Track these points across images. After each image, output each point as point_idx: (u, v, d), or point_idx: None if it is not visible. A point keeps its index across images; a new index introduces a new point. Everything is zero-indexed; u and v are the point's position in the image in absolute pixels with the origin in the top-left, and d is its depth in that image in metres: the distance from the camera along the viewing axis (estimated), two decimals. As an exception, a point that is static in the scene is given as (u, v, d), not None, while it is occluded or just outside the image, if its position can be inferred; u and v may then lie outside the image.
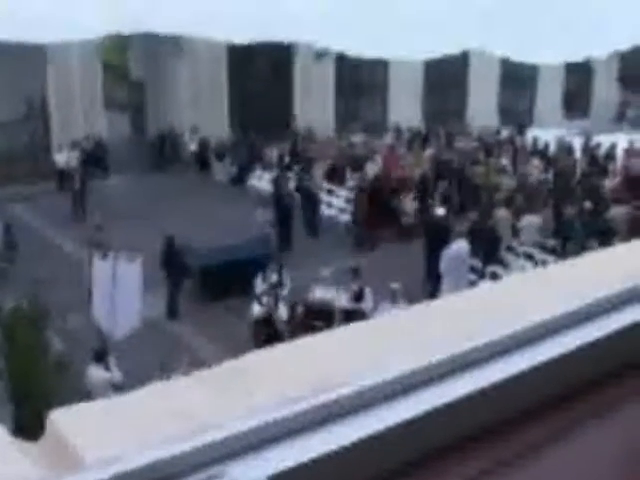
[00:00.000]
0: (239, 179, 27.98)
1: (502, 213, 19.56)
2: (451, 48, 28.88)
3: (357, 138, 30.00)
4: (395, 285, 14.77)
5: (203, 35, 26.18)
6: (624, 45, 30.87)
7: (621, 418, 1.76)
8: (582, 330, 1.77)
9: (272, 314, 14.91)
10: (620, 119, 39.83)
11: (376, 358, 1.54)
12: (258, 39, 26.41)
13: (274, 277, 15.85)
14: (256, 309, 15.16)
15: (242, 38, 26.04)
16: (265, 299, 15.28)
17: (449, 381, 1.57)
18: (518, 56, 29.96)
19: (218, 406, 1.35)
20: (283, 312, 15.11)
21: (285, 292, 15.83)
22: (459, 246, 17.11)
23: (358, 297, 15.45)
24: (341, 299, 15.45)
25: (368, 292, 15.45)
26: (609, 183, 22.43)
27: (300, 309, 15.57)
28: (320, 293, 15.70)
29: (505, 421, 1.61)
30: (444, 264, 16.81)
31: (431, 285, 17.52)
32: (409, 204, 21.85)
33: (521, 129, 32.77)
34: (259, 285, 15.72)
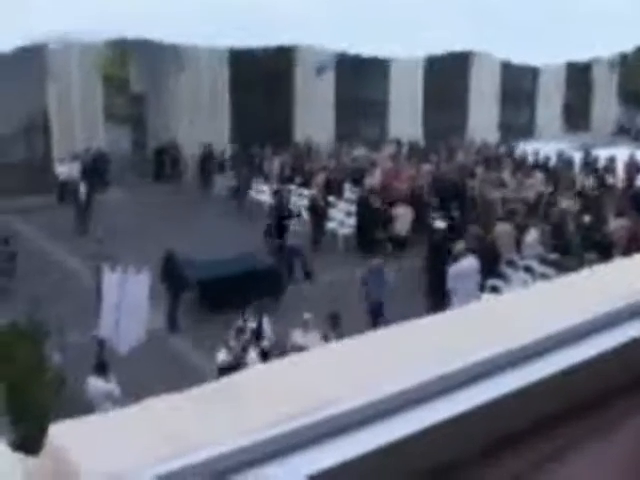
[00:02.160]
0: (239, 192, 27.98)
1: (503, 227, 19.55)
2: (452, 46, 29.07)
3: (357, 152, 30.08)
4: None
5: (205, 43, 26.37)
6: (628, 46, 30.96)
7: (625, 433, 1.76)
8: (586, 345, 1.76)
9: (239, 362, 13.41)
10: (620, 133, 39.99)
11: (369, 375, 1.53)
12: (258, 44, 26.62)
13: (251, 323, 14.64)
14: (221, 356, 13.84)
15: (244, 43, 26.20)
16: (234, 345, 14.00)
17: (446, 398, 1.56)
18: (518, 58, 30.14)
19: (211, 425, 1.34)
20: (253, 360, 13.55)
21: (265, 343, 14.58)
22: (468, 262, 16.86)
23: None
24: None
25: None
26: (566, 202, 22.07)
27: (274, 357, 13.82)
28: (299, 339, 14.37)
29: (506, 438, 1.60)
30: (452, 281, 16.53)
31: (433, 299, 17.36)
32: (405, 216, 21.78)
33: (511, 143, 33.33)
34: (233, 329, 14.49)
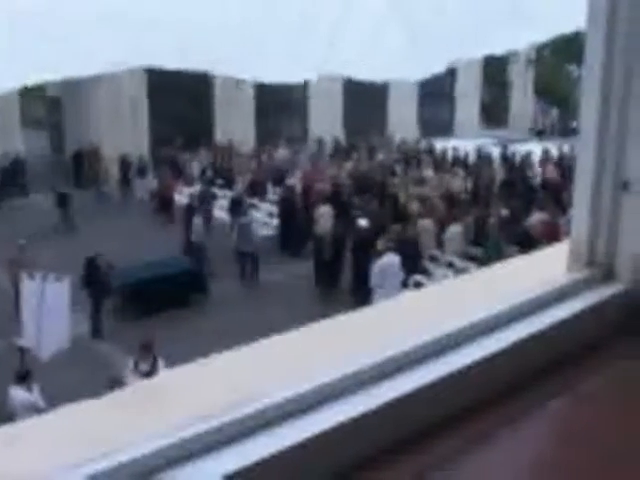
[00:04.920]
0: (160, 195, 27.66)
1: (424, 223, 19.71)
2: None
3: (278, 152, 30.08)
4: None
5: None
6: (544, 37, 31.54)
7: (536, 422, 1.80)
8: (500, 335, 1.80)
9: None
10: (536, 128, 40.85)
11: (284, 375, 1.55)
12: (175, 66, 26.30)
13: (145, 365, 12.43)
14: None
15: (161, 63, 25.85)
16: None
17: (373, 388, 1.58)
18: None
19: (134, 427, 1.35)
20: None
21: None
22: (389, 259, 16.95)
23: None
24: None
25: None
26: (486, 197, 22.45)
27: None
28: None
29: (415, 434, 1.63)
30: (374, 278, 16.63)
31: (358, 298, 17.41)
32: (326, 215, 21.72)
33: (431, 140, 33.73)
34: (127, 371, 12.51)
